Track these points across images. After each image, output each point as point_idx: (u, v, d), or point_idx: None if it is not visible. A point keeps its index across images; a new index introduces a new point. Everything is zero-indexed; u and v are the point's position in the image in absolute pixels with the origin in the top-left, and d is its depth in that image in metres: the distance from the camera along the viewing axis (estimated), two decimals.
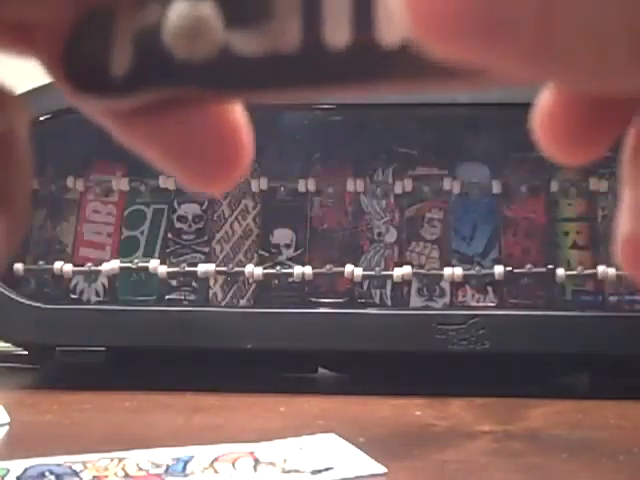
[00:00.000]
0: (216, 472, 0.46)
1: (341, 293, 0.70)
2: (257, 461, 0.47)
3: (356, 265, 0.69)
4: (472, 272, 0.69)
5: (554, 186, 0.70)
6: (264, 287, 0.70)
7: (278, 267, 0.70)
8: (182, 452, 0.48)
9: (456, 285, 0.69)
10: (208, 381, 0.65)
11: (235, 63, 0.18)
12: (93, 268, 0.70)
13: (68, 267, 0.69)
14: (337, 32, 0.17)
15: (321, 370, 0.70)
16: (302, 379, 0.70)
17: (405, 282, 0.69)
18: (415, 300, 0.69)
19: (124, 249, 0.71)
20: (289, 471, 0.46)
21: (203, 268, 0.70)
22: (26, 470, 0.45)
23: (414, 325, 0.65)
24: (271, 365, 0.69)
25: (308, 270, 0.69)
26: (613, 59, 0.15)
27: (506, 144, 0.71)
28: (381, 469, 0.46)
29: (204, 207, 0.72)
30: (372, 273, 0.69)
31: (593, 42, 0.15)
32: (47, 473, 0.45)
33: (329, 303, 0.69)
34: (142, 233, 0.72)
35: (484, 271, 0.68)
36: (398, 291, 0.69)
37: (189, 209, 0.72)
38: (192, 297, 0.71)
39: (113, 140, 0.22)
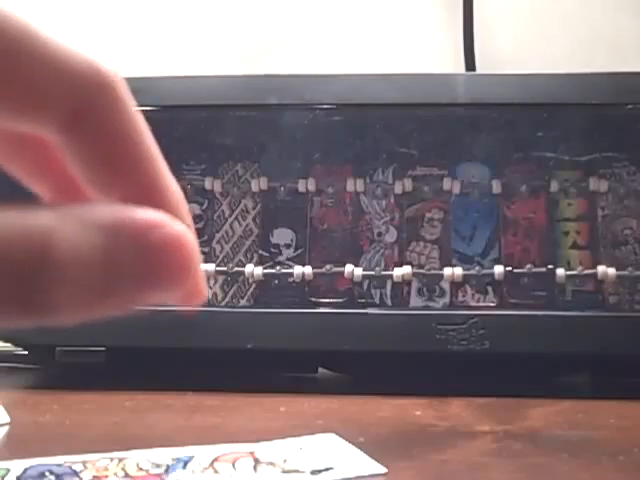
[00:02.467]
0: (216, 472, 0.46)
1: (341, 293, 0.70)
2: (257, 461, 0.47)
3: (356, 265, 0.69)
4: (472, 272, 0.69)
5: (554, 186, 0.70)
6: (264, 287, 0.70)
7: (278, 267, 0.70)
8: (182, 452, 0.48)
9: (456, 285, 0.69)
10: (208, 381, 0.65)
11: None
12: None
13: None
14: None
15: (321, 370, 0.70)
16: (302, 379, 0.70)
17: (405, 282, 0.69)
18: (415, 300, 0.69)
19: None
20: (289, 471, 0.46)
21: (203, 268, 0.70)
22: (26, 470, 0.45)
23: (414, 325, 0.65)
24: (271, 365, 0.69)
25: (308, 270, 0.69)
26: None
27: (506, 144, 0.71)
28: (381, 469, 0.46)
29: (204, 207, 0.72)
30: (372, 273, 0.69)
31: None
32: (47, 473, 0.45)
33: (329, 303, 0.69)
34: None
35: (484, 271, 0.68)
36: (398, 291, 0.69)
37: (189, 209, 0.72)
38: None
39: None
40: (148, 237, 0.21)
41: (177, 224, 0.22)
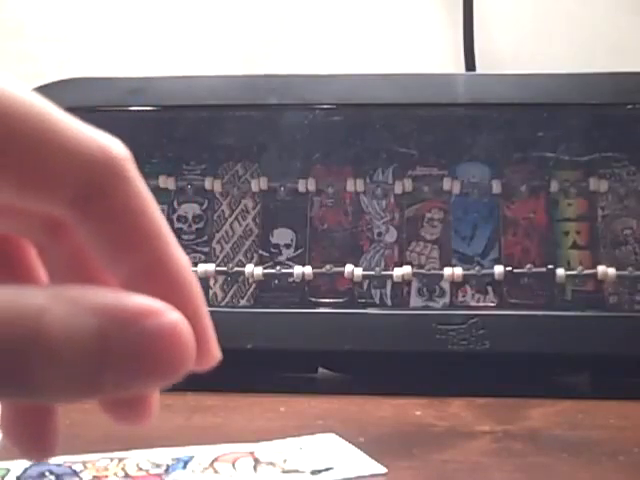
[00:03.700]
0: (216, 472, 0.46)
1: (341, 293, 0.70)
2: (257, 461, 0.47)
3: (356, 265, 0.69)
4: (472, 272, 0.68)
5: (554, 186, 0.70)
6: (264, 287, 0.70)
7: (278, 267, 0.70)
8: (182, 452, 0.48)
9: (456, 285, 0.69)
10: (208, 381, 0.65)
11: None
12: None
13: None
14: None
15: (321, 370, 0.70)
16: (302, 379, 0.70)
17: (405, 282, 0.69)
18: (415, 300, 0.69)
19: None
20: (289, 471, 0.46)
21: (203, 268, 0.70)
22: (26, 470, 0.45)
23: (414, 325, 0.65)
24: (271, 365, 0.69)
25: (308, 270, 0.69)
26: None
27: (506, 144, 0.71)
28: (381, 469, 0.46)
29: (204, 207, 0.72)
30: (372, 273, 0.69)
31: None
32: (47, 473, 0.45)
33: (329, 303, 0.69)
34: None
35: (484, 271, 0.68)
36: (398, 291, 0.69)
37: (189, 209, 0.72)
38: None
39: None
40: (142, 325, 0.21)
41: (173, 313, 0.22)
